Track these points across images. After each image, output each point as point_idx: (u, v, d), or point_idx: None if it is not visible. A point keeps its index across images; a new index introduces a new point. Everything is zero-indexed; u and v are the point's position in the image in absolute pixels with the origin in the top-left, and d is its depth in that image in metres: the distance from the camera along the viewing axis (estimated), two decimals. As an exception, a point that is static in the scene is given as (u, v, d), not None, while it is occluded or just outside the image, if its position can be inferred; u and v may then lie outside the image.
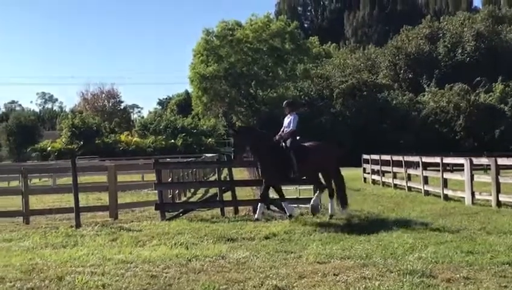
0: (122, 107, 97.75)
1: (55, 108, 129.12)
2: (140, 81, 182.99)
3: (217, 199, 15.99)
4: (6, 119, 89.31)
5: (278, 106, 63.30)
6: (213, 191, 18.74)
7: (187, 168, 24.28)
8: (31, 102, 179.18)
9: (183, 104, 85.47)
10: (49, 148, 64.59)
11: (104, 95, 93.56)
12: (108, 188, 16.15)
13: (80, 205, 14.38)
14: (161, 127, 68.33)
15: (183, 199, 21.72)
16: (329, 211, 14.21)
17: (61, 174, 30.09)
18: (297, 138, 14.32)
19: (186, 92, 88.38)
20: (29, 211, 14.86)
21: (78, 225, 13.55)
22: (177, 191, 20.93)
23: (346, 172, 36.12)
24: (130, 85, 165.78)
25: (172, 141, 64.72)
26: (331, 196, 14.42)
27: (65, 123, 68.98)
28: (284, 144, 14.04)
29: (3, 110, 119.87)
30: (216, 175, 18.32)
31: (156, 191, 15.61)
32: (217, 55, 65.83)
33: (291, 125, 14.26)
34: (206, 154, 46.85)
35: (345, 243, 10.20)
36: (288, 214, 13.75)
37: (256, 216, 13.74)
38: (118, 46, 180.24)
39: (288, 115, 14.55)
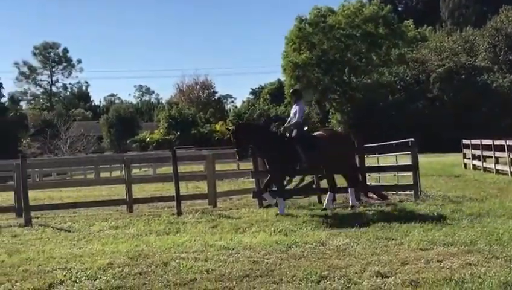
0: (216, 97, 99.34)
1: (152, 100, 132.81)
2: (233, 72, 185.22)
3: (314, 186, 15.98)
4: (106, 112, 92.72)
5: (373, 92, 62.53)
6: (308, 179, 18.77)
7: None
8: (129, 95, 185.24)
9: (276, 93, 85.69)
10: (147, 139, 66.62)
11: (198, 86, 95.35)
12: (207, 176, 16.49)
13: (180, 194, 14.72)
14: (255, 116, 68.92)
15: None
16: (324, 205, 13.70)
17: (160, 164, 31.00)
18: (305, 128, 13.94)
19: (279, 81, 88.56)
20: (132, 200, 15.35)
21: (179, 212, 13.91)
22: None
23: (446, 158, 35.39)
24: (223, 76, 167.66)
25: (265, 129, 65.11)
26: (330, 189, 13.95)
27: (162, 114, 70.99)
28: (289, 135, 13.59)
29: (104, 103, 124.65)
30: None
31: (253, 179, 15.78)
32: (309, 42, 65.49)
33: (296, 116, 13.70)
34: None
35: (447, 230, 9.95)
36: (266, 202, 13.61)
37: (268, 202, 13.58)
38: (211, 37, 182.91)
39: (294, 105, 14.06)
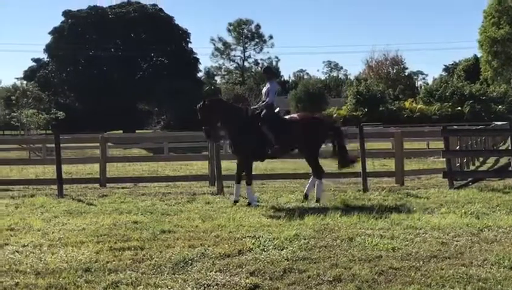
0: (406, 73, 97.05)
1: (340, 76, 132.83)
2: (425, 47, 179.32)
3: (510, 168, 15.08)
4: (295, 87, 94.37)
5: None
6: (503, 160, 17.76)
7: (476, 136, 23.23)
8: (318, 70, 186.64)
9: (471, 70, 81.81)
10: (335, 115, 66.82)
11: (388, 62, 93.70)
12: (395, 154, 16.19)
13: (367, 170, 14.60)
14: (447, 93, 66.39)
15: (471, 167, 20.86)
16: (316, 196, 12.26)
17: (347, 140, 30.89)
18: (277, 110, 12.56)
19: (475, 57, 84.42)
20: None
21: (365, 189, 13.83)
22: (465, 160, 20.16)
23: None
24: (414, 51, 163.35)
25: (459, 108, 62.49)
26: (315, 175, 12.51)
27: (350, 90, 70.68)
28: (257, 116, 12.24)
29: (293, 78, 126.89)
30: (507, 144, 17.25)
31: (443, 159, 15.22)
32: (510, 16, 61.55)
33: (269, 95, 12.41)
34: (496, 122, 44.38)
35: None
36: (248, 201, 12.09)
37: (234, 197, 12.33)
38: (402, 11, 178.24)
39: (267, 84, 12.71)
